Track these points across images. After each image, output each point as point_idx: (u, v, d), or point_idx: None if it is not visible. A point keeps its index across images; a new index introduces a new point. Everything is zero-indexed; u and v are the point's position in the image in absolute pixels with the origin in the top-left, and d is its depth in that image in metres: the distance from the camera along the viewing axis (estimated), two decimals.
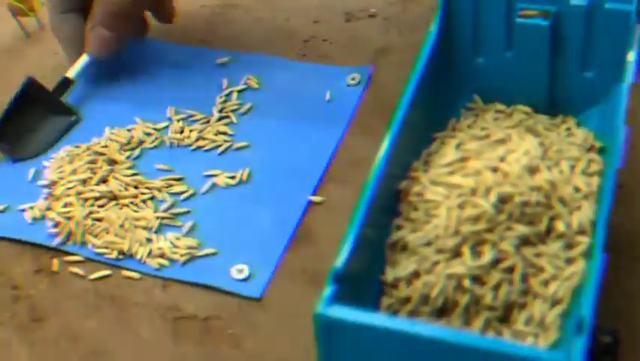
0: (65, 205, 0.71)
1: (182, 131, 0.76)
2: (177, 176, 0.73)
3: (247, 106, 0.79)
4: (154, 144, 0.76)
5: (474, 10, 0.65)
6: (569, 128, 0.65)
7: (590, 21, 0.63)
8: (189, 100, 0.80)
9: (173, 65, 0.83)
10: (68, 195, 0.71)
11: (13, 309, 0.66)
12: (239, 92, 0.80)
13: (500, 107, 0.67)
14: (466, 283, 0.55)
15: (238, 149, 0.75)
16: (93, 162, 0.73)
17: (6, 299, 0.67)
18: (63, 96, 0.80)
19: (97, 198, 0.71)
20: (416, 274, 0.56)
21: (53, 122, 0.79)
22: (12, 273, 0.69)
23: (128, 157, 0.75)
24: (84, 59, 0.80)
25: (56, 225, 0.70)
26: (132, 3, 0.78)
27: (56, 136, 0.78)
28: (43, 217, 0.71)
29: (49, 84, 0.82)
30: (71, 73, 0.79)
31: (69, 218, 0.70)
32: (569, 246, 0.56)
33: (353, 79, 0.79)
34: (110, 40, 0.78)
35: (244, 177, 0.73)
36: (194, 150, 0.75)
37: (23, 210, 0.72)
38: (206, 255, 0.68)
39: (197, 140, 0.76)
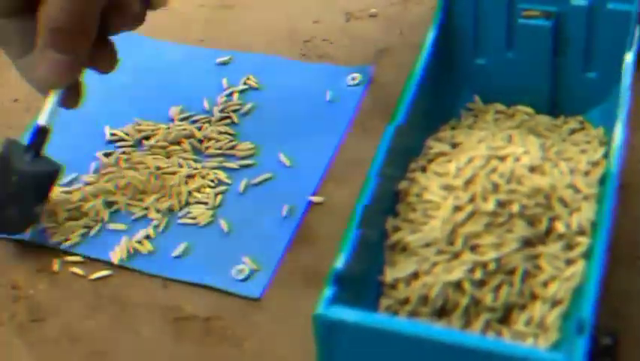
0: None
1: (187, 133, 0.76)
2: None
3: (248, 106, 0.79)
4: (158, 142, 0.76)
5: (474, 10, 0.65)
6: (582, 127, 0.65)
7: (592, 21, 0.63)
8: (190, 100, 0.80)
9: (173, 65, 0.83)
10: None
11: (13, 309, 0.66)
12: (240, 92, 0.80)
13: (500, 107, 0.67)
14: (466, 286, 0.55)
15: (239, 149, 0.75)
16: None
17: (6, 299, 0.67)
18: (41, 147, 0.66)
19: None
20: (415, 275, 0.56)
21: (36, 181, 0.68)
22: (12, 273, 0.69)
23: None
24: (53, 100, 0.65)
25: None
26: (78, 15, 0.60)
27: (41, 196, 0.68)
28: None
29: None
30: (43, 120, 0.65)
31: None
32: (569, 247, 0.56)
33: (353, 79, 0.79)
34: (64, 64, 0.62)
35: (245, 177, 0.73)
36: (198, 149, 0.75)
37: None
38: (206, 254, 0.68)
39: (201, 139, 0.76)
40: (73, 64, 0.63)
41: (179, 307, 0.65)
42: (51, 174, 0.68)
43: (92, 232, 0.70)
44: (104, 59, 0.67)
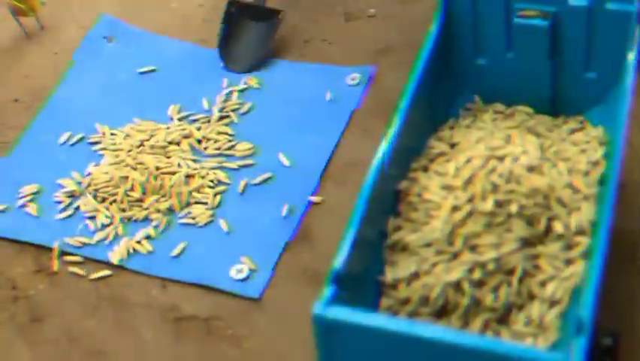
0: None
1: (186, 133, 0.76)
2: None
3: (247, 106, 0.79)
4: (158, 142, 0.76)
5: (474, 10, 0.65)
6: (582, 127, 0.65)
7: (591, 22, 0.63)
8: (189, 99, 0.80)
9: (172, 64, 0.83)
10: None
11: (13, 309, 0.66)
12: (239, 91, 0.80)
13: (499, 107, 0.67)
14: (466, 286, 0.55)
15: (238, 149, 0.75)
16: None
17: (6, 299, 0.67)
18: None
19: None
20: (416, 275, 0.56)
21: (260, 27, 0.82)
22: (12, 273, 0.69)
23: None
24: None
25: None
26: None
27: (268, 42, 0.81)
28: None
29: (50, 84, 0.82)
30: None
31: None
32: (568, 247, 0.56)
33: (353, 79, 0.79)
34: None
35: (244, 177, 0.73)
36: (197, 149, 0.75)
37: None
38: (205, 254, 0.68)
39: (200, 139, 0.76)
40: None
41: (179, 307, 0.65)
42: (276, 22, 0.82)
43: (92, 232, 0.70)
44: None
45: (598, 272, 0.49)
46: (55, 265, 0.68)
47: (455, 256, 0.56)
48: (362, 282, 0.56)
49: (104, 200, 0.72)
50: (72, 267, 0.68)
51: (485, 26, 0.66)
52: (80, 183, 0.73)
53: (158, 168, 0.73)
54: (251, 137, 0.76)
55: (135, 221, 0.70)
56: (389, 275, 0.57)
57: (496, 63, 0.67)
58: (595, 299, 0.48)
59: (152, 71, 0.83)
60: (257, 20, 0.81)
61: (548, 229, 0.57)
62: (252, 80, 0.81)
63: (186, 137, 0.76)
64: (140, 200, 0.71)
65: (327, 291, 0.50)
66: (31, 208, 0.72)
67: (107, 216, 0.71)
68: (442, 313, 0.56)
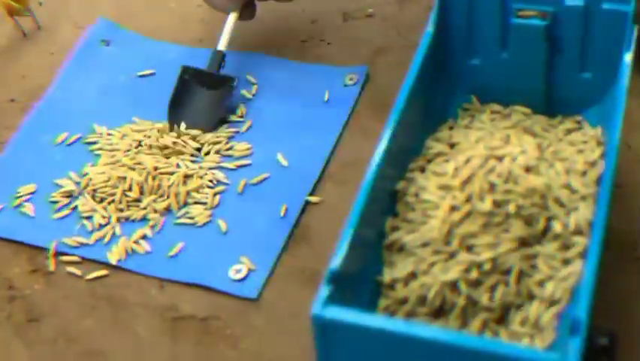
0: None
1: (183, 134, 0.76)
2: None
3: (245, 106, 0.79)
4: (156, 142, 0.75)
5: (470, 10, 0.65)
6: (580, 127, 0.65)
7: (588, 22, 0.63)
8: None
9: (171, 67, 0.83)
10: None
11: (9, 309, 0.66)
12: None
13: (497, 107, 0.67)
14: (462, 286, 0.55)
15: (236, 149, 0.75)
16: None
17: (2, 299, 0.67)
18: (219, 69, 0.79)
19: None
20: (413, 275, 0.56)
21: (213, 95, 0.78)
22: (8, 273, 0.68)
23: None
24: (228, 28, 0.79)
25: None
26: None
27: (220, 108, 0.77)
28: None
29: (47, 84, 0.82)
30: (221, 46, 0.79)
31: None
32: (566, 246, 0.56)
33: (351, 79, 0.79)
34: None
35: (242, 177, 0.73)
36: (195, 149, 0.75)
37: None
38: (203, 254, 0.68)
39: (199, 140, 0.76)
40: None
41: (177, 307, 0.65)
42: (230, 89, 0.79)
43: (89, 232, 0.70)
44: None
45: (593, 272, 0.49)
46: (52, 264, 0.68)
47: (452, 255, 0.56)
48: (360, 282, 0.56)
49: (102, 200, 0.72)
50: (69, 267, 0.68)
51: (481, 27, 0.66)
52: (77, 183, 0.73)
53: (156, 168, 0.73)
54: (249, 137, 0.76)
55: (133, 221, 0.70)
56: (387, 275, 0.57)
57: (491, 63, 0.67)
58: (590, 299, 0.48)
59: (152, 74, 0.83)
60: (209, 88, 0.78)
61: (546, 229, 0.57)
62: (249, 80, 0.81)
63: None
64: (138, 200, 0.71)
65: (324, 291, 0.50)
66: (28, 208, 0.72)
67: (103, 216, 0.70)
68: (439, 313, 0.56)
